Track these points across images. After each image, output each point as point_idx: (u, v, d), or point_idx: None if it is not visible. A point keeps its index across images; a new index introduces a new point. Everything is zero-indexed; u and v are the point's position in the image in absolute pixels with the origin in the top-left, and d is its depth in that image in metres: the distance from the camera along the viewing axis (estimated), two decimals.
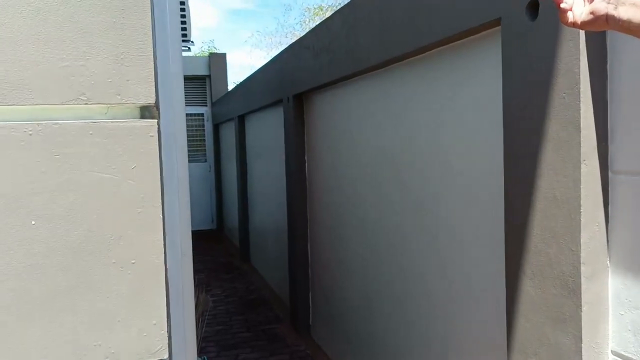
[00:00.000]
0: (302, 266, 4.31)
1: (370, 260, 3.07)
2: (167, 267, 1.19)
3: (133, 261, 0.71)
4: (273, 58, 4.87)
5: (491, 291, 1.96)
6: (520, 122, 1.62)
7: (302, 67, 3.91)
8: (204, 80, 10.09)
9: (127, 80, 0.71)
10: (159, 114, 0.82)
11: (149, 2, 0.73)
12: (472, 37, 1.94)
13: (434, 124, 2.29)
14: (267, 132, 5.55)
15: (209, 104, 10.02)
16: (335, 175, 3.58)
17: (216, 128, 9.55)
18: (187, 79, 9.94)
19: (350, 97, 3.27)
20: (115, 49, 0.71)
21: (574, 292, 1.53)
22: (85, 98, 0.70)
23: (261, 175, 6.03)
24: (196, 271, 6.84)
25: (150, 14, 0.73)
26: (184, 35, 8.46)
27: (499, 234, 1.87)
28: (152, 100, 0.72)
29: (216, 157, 9.62)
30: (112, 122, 0.70)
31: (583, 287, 1.51)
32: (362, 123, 3.09)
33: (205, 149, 9.97)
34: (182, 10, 8.31)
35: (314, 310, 4.25)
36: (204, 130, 9.98)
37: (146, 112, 0.75)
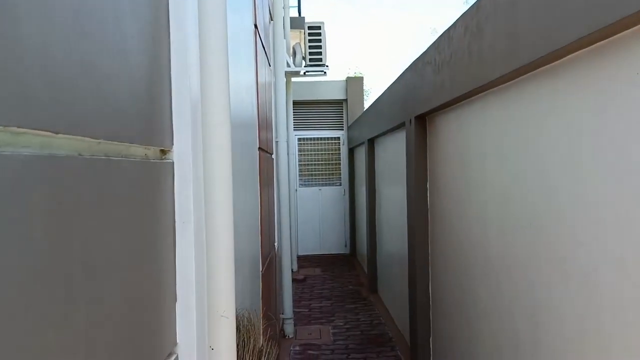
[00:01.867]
0: (423, 307, 3.83)
1: (502, 316, 2.54)
2: None
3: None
4: (398, 77, 4.51)
5: None
6: None
7: (423, 85, 3.50)
8: (341, 104, 10.02)
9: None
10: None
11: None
12: (633, 29, 1.42)
13: (582, 147, 1.76)
14: (393, 156, 5.17)
15: (345, 127, 9.91)
16: (459, 206, 3.09)
17: (351, 152, 9.38)
18: (324, 103, 9.95)
19: (475, 117, 2.79)
20: None
21: None
22: None
23: (388, 202, 5.66)
24: (322, 298, 6.64)
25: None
26: (319, 60, 8.48)
27: None
28: None
29: (350, 181, 9.43)
30: None
31: None
32: (490, 147, 2.60)
33: (340, 173, 9.84)
34: (314, 36, 8.34)
35: (435, 359, 3.74)
36: (339, 153, 9.87)
37: None
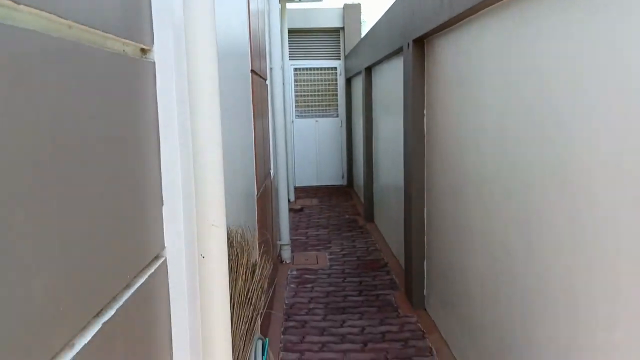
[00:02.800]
0: (418, 232, 3.89)
1: (494, 238, 2.57)
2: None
3: None
4: (395, 0, 4.36)
5: None
6: None
7: (422, 6, 3.38)
8: (337, 32, 9.75)
9: None
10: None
11: None
12: None
13: (589, 68, 1.72)
14: (390, 84, 5.09)
15: (342, 57, 9.69)
16: (456, 131, 3.07)
17: (348, 82, 9.23)
18: (320, 31, 9.68)
19: (476, 39, 2.71)
20: None
21: None
22: None
23: (385, 132, 5.62)
24: (319, 226, 6.74)
25: None
26: None
27: None
28: None
29: (347, 112, 9.34)
30: None
31: None
32: (488, 68, 2.54)
33: (337, 104, 9.73)
34: None
35: (428, 282, 3.84)
36: (336, 84, 9.72)
37: None
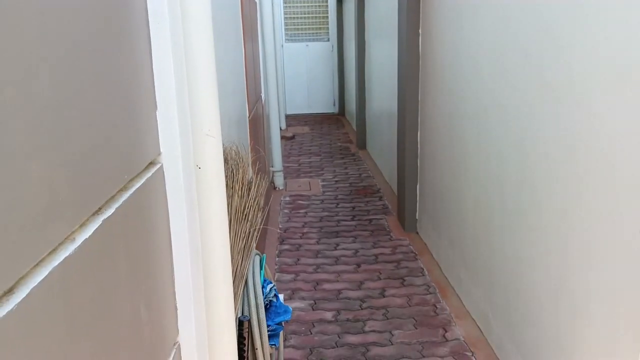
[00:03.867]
0: (411, 157, 3.88)
1: (489, 161, 2.56)
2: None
3: None
4: None
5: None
6: None
7: None
8: None
9: None
10: None
11: None
12: None
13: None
14: (384, 7, 4.91)
15: None
16: (452, 54, 2.99)
17: (340, 4, 8.91)
18: None
19: None
20: None
21: None
22: None
23: (378, 56, 5.49)
24: (311, 154, 6.72)
25: None
26: None
27: None
28: None
29: (339, 36, 9.08)
30: None
31: None
32: None
33: (328, 28, 9.43)
34: None
35: (421, 205, 3.88)
36: (327, 6, 9.38)
37: None
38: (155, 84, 0.84)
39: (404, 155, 3.93)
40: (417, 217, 3.98)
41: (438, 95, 3.30)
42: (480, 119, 2.59)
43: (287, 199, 5.00)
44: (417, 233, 3.97)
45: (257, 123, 3.64)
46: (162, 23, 0.81)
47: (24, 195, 0.44)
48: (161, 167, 0.86)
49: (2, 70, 0.41)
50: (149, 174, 0.79)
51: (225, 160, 1.43)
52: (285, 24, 9.28)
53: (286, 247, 3.88)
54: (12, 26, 0.44)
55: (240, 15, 2.87)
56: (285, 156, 6.53)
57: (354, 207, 4.72)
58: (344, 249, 3.81)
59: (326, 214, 4.57)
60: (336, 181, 5.55)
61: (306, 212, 4.62)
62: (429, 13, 3.39)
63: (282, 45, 9.19)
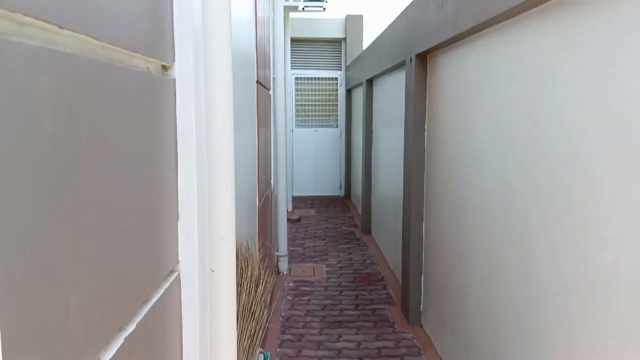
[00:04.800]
0: (416, 247, 3.90)
1: (493, 257, 2.58)
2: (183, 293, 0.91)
3: None
4: (400, 14, 4.40)
5: None
6: None
7: (426, 22, 3.42)
8: (339, 43, 9.81)
9: None
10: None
11: None
12: None
13: (593, 85, 1.74)
14: (392, 97, 5.12)
15: (343, 67, 9.74)
16: (457, 150, 3.09)
17: (349, 93, 9.27)
18: (322, 41, 9.74)
19: (478, 55, 2.74)
20: None
21: None
22: None
23: (385, 144, 5.65)
24: (316, 238, 6.73)
25: None
26: None
27: None
28: None
29: (347, 122, 9.37)
30: None
31: None
32: (493, 88, 2.57)
33: (337, 114, 9.76)
34: None
35: (425, 297, 3.84)
36: (337, 94, 9.75)
37: None
38: (179, 196, 0.89)
39: (408, 245, 3.95)
40: (421, 309, 3.93)
41: (443, 188, 3.37)
42: (484, 214, 2.63)
43: (291, 284, 4.96)
44: (422, 326, 3.90)
45: (266, 211, 3.70)
46: (189, 143, 0.88)
47: (63, 326, 0.48)
48: (178, 274, 0.89)
49: (54, 210, 0.46)
50: (167, 284, 0.82)
51: (236, 257, 1.46)
52: (296, 111, 9.61)
53: (288, 336, 3.81)
54: (57, 147, 0.49)
55: (256, 108, 3.01)
56: (291, 239, 6.55)
57: (357, 296, 4.67)
58: (346, 340, 3.74)
59: (329, 301, 4.52)
60: (340, 267, 5.52)
61: (309, 300, 4.57)
62: (435, 106, 3.53)
63: (292, 130, 9.47)
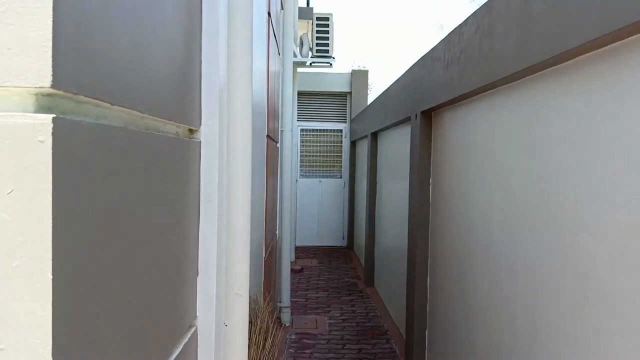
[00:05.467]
0: (420, 302, 3.88)
1: (500, 313, 2.58)
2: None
3: (1, 346, 0.45)
4: (405, 72, 4.54)
5: None
6: None
7: (432, 80, 3.53)
8: (345, 97, 10.03)
9: (8, 49, 0.46)
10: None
11: None
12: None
13: (591, 146, 1.80)
14: (397, 150, 5.21)
15: (348, 120, 9.93)
16: (460, 204, 3.13)
17: (353, 145, 9.41)
18: (328, 95, 9.96)
19: (483, 114, 2.82)
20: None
21: None
22: None
23: (389, 197, 5.69)
24: (319, 289, 6.68)
25: None
26: (325, 51, 8.49)
27: None
28: (46, 82, 0.45)
29: (351, 174, 9.47)
30: None
31: None
32: (496, 144, 2.63)
33: (341, 166, 9.87)
34: (323, 27, 8.35)
35: (430, 353, 3.79)
36: (341, 146, 9.90)
37: (48, 102, 0.48)
38: (200, 253, 0.93)
39: (413, 299, 3.92)
40: None
41: (449, 241, 3.38)
42: (490, 269, 2.64)
43: (293, 337, 4.90)
44: None
45: (271, 261, 3.71)
46: (212, 202, 0.92)
47: None
48: (196, 329, 0.92)
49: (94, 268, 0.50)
50: (186, 339, 0.85)
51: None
52: (301, 161, 9.73)
53: None
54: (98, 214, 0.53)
55: (266, 161, 3.08)
56: (293, 290, 6.50)
57: (360, 349, 4.60)
58: None
59: (332, 355, 4.45)
60: (343, 319, 5.46)
61: (312, 353, 4.50)
62: (440, 162, 3.60)
63: (297, 180, 9.56)
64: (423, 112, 3.78)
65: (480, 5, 2.63)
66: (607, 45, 1.62)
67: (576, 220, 1.83)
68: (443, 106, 3.45)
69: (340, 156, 9.86)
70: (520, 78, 2.28)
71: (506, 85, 2.47)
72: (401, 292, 4.64)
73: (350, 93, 9.90)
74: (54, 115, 0.46)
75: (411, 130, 4.11)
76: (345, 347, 4.65)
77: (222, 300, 1.03)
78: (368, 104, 9.85)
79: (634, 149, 1.51)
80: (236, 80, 1.08)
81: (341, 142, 9.89)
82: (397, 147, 5.17)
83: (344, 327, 5.21)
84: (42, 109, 0.47)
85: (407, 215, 4.30)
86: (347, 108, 9.99)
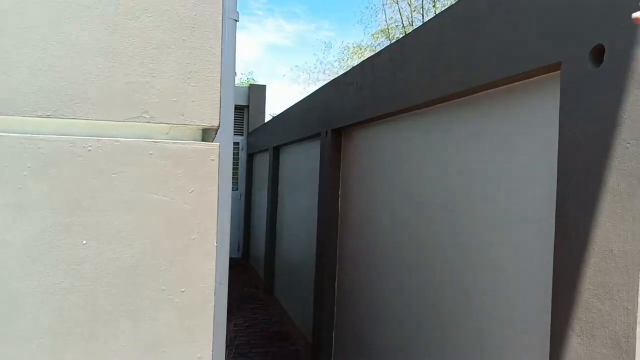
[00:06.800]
0: (328, 304, 4.21)
1: (402, 309, 2.97)
2: None
3: (183, 289, 0.67)
4: (314, 92, 4.90)
5: (538, 349, 1.86)
6: (576, 171, 1.55)
7: (344, 102, 3.91)
8: (242, 110, 10.23)
9: (192, 101, 0.68)
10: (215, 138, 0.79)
11: (220, 23, 0.71)
12: (529, 80, 1.89)
13: (482, 170, 2.23)
14: (302, 164, 5.54)
15: (245, 133, 10.13)
16: (368, 215, 3.52)
17: (250, 157, 9.62)
18: None
19: (391, 135, 3.23)
20: (182, 67, 0.69)
21: (628, 353, 1.43)
22: (148, 116, 0.68)
23: (292, 208, 6.00)
24: None
25: (220, 34, 0.71)
26: None
27: (547, 286, 1.78)
28: (215, 123, 0.69)
29: (247, 186, 9.66)
30: (173, 142, 0.67)
31: (638, 349, 1.41)
32: (402, 163, 3.04)
33: (237, 178, 10.03)
34: None
35: (336, 351, 4.13)
36: (238, 158, 10.06)
37: (207, 134, 0.72)
38: None
39: (321, 304, 4.24)
40: None
41: (355, 248, 3.75)
42: (391, 274, 3.03)
43: None
44: None
45: None
46: None
47: None
48: None
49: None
50: None
51: None
52: None
53: None
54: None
55: None
56: None
57: (267, 352, 4.82)
58: None
59: (242, 359, 4.63)
60: (247, 326, 5.65)
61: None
62: (348, 176, 3.97)
63: None
64: (334, 130, 4.15)
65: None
66: (506, 84, 2.06)
67: (474, 225, 2.26)
68: (353, 125, 3.83)
69: (237, 168, 10.03)
70: (430, 106, 2.70)
71: (415, 112, 2.89)
72: (305, 297, 4.95)
73: (247, 107, 10.12)
74: (219, 143, 0.70)
75: (321, 146, 4.46)
76: (252, 351, 4.85)
77: None
78: (265, 117, 10.16)
79: (521, 170, 1.95)
80: None
81: (238, 154, 10.06)
82: (303, 160, 5.50)
83: (250, 333, 5.40)
84: (209, 138, 0.71)
85: (313, 226, 4.63)
86: (244, 121, 10.19)
